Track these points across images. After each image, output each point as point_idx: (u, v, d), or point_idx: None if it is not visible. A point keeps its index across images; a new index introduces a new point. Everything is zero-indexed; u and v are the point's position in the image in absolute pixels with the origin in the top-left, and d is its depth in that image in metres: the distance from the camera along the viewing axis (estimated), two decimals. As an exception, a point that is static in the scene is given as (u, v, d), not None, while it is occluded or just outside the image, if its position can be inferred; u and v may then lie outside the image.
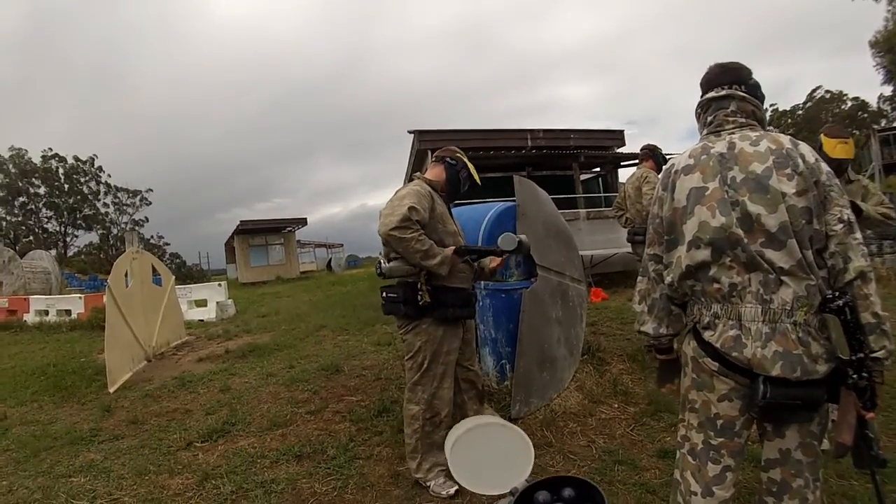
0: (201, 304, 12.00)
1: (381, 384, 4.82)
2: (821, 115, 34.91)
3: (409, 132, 15.31)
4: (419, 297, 2.85)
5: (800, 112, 36.37)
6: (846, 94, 35.75)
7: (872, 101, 35.80)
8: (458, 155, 3.17)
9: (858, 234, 1.63)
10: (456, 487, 2.90)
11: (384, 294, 3.05)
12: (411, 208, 2.73)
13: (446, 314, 2.92)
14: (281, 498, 2.95)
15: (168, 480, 3.22)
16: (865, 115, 37.70)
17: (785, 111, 36.04)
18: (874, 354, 1.56)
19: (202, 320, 11.08)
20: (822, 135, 3.28)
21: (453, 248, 2.91)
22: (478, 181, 3.20)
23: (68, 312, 11.58)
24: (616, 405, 3.99)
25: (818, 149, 3.05)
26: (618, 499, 2.75)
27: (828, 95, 36.10)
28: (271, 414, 4.25)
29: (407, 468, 3.11)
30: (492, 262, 3.20)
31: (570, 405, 3.97)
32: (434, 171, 3.16)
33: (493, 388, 4.05)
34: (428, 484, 2.97)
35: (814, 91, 36.55)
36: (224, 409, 4.47)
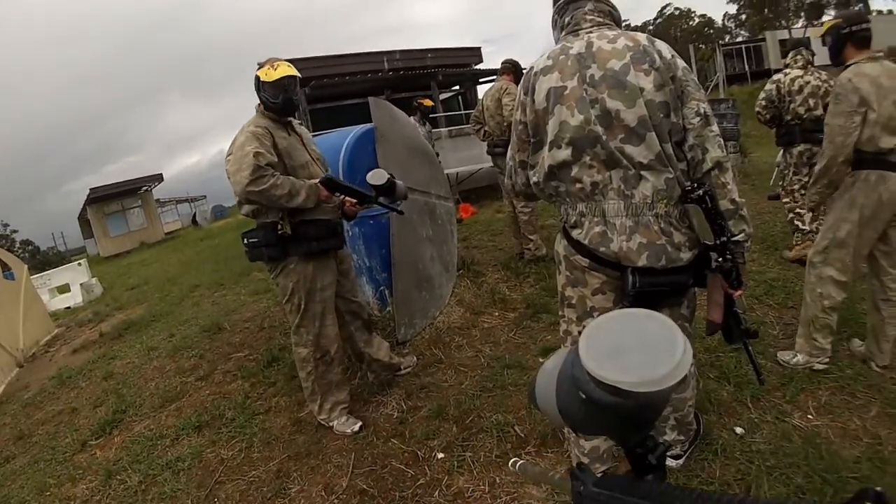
0: (64, 290, 11.02)
1: (265, 334, 4.88)
2: (670, 31, 36.44)
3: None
4: (279, 228, 2.75)
5: (650, 28, 37.93)
6: (694, 12, 38.29)
7: (718, 19, 38.31)
8: (256, 73, 2.95)
9: (715, 127, 1.72)
10: (360, 424, 3.01)
11: (245, 240, 2.92)
12: (256, 153, 2.58)
13: (310, 248, 2.83)
14: (190, 475, 2.98)
15: (72, 489, 3.16)
16: (711, 31, 41.01)
17: (637, 27, 37.10)
18: (735, 238, 1.72)
19: (69, 307, 10.22)
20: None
21: (318, 180, 2.81)
22: (289, 73, 2.92)
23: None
24: (496, 313, 4.25)
25: None
26: (512, 401, 2.99)
27: (677, 12, 37.94)
28: (161, 390, 4.18)
29: (307, 413, 3.20)
30: (348, 203, 3.02)
31: (454, 320, 4.20)
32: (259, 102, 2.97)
33: (376, 315, 4.15)
34: (331, 424, 3.03)
35: (664, 8, 38.61)
36: (111, 398, 4.32)
